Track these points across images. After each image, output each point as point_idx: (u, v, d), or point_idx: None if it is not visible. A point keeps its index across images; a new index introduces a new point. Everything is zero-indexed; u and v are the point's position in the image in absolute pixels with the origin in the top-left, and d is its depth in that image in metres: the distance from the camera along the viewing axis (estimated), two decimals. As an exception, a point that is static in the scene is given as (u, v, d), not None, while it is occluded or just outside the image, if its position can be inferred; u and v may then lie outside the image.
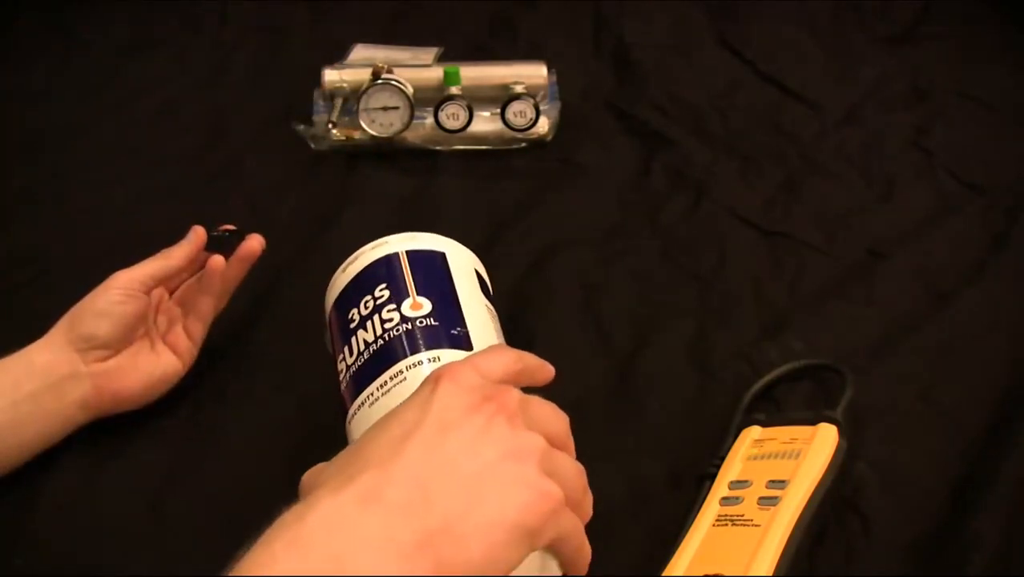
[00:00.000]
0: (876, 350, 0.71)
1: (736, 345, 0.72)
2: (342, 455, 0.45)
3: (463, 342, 0.54)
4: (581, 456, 0.65)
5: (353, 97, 0.93)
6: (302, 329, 0.66)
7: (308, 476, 0.46)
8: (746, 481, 0.58)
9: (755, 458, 0.60)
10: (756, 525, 0.55)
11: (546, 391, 0.69)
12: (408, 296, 0.55)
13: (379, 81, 0.93)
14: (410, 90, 0.93)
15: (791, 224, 0.83)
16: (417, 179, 0.92)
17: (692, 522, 0.57)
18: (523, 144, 0.95)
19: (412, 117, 0.93)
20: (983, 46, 1.05)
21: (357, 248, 0.62)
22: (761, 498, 0.56)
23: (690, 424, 0.67)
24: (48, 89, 1.07)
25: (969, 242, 0.81)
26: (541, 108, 0.94)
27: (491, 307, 0.60)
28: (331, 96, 0.95)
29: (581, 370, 0.71)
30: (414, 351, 0.53)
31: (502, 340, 0.58)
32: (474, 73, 0.95)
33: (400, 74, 0.94)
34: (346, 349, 0.56)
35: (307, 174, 0.93)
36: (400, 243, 0.60)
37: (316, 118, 0.96)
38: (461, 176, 0.92)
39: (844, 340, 0.72)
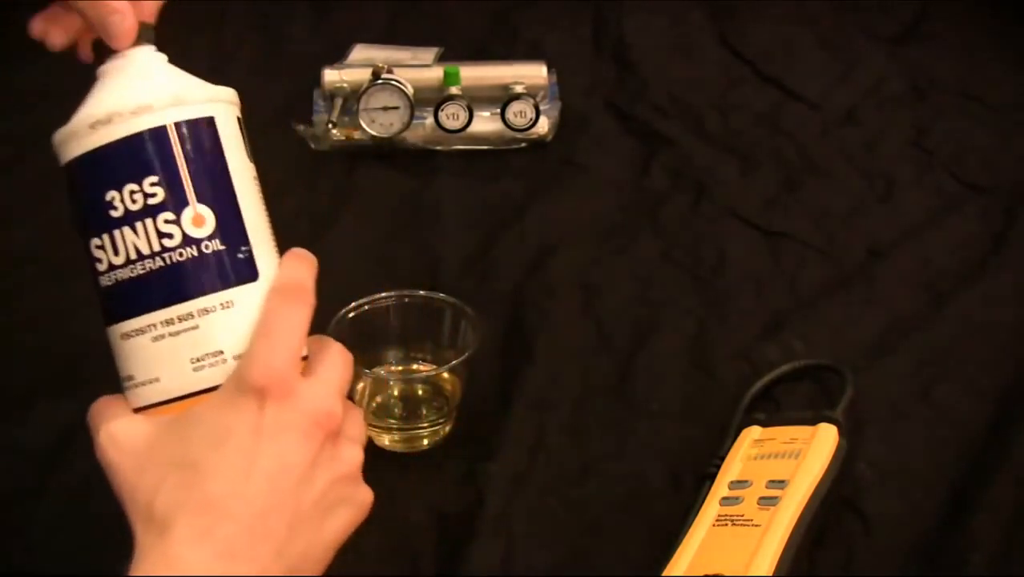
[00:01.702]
0: (876, 350, 0.71)
1: (736, 345, 0.72)
2: (173, 456, 0.45)
3: (249, 271, 0.51)
4: (582, 456, 0.65)
5: (353, 97, 0.93)
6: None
7: (125, 456, 0.46)
8: (746, 481, 0.58)
9: (755, 458, 0.60)
10: (756, 525, 0.55)
11: (546, 391, 0.69)
12: (188, 204, 0.50)
13: (379, 81, 0.93)
14: (410, 90, 0.93)
15: (791, 224, 0.83)
16: (417, 179, 0.92)
17: (692, 522, 0.57)
18: (523, 144, 0.95)
19: (412, 117, 0.93)
20: (983, 46, 1.05)
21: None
22: (761, 498, 0.56)
23: (690, 424, 0.67)
24: (48, 89, 1.07)
25: (969, 242, 0.81)
26: (541, 108, 0.94)
27: (252, 164, 0.55)
28: (331, 96, 0.95)
29: (581, 370, 0.71)
30: (202, 291, 0.49)
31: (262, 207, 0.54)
32: (474, 73, 0.95)
33: (400, 74, 0.94)
34: (107, 241, 0.51)
35: (307, 174, 0.93)
36: (168, 109, 0.52)
37: (316, 118, 0.96)
38: (461, 176, 0.92)
39: (844, 340, 0.72)
